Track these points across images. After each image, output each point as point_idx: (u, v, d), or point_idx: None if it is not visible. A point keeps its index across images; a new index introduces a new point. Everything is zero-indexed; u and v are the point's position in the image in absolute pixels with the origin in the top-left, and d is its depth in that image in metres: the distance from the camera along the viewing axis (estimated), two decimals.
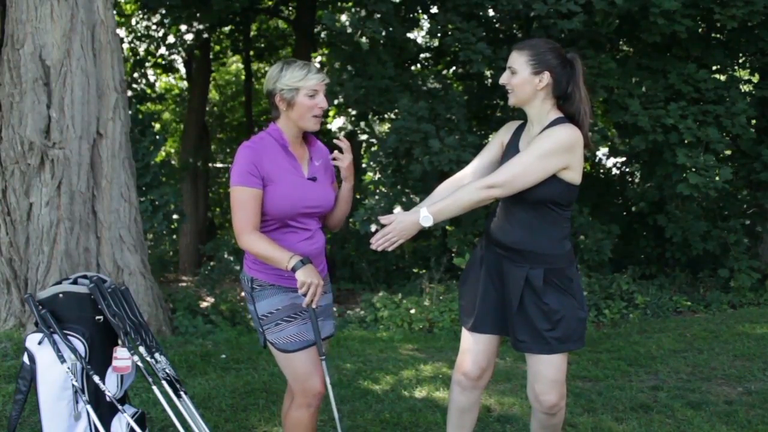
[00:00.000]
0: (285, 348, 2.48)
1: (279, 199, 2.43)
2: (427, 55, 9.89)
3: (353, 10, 9.69)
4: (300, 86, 2.43)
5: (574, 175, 2.45)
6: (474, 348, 2.64)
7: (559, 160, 2.39)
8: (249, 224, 2.41)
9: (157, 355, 2.73)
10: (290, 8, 13.11)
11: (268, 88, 2.48)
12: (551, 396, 2.52)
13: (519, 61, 2.46)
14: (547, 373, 2.51)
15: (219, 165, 17.07)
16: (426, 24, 9.88)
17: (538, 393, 2.54)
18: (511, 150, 2.58)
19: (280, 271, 2.43)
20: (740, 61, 8.64)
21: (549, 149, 2.38)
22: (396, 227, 2.38)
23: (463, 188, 2.43)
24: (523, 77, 2.45)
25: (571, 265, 2.53)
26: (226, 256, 9.62)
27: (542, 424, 2.66)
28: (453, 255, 7.52)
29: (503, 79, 2.52)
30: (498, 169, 2.44)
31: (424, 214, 2.36)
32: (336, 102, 8.30)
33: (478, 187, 2.39)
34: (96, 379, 2.58)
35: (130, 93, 10.18)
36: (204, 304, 6.82)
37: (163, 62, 13.25)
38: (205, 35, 12.03)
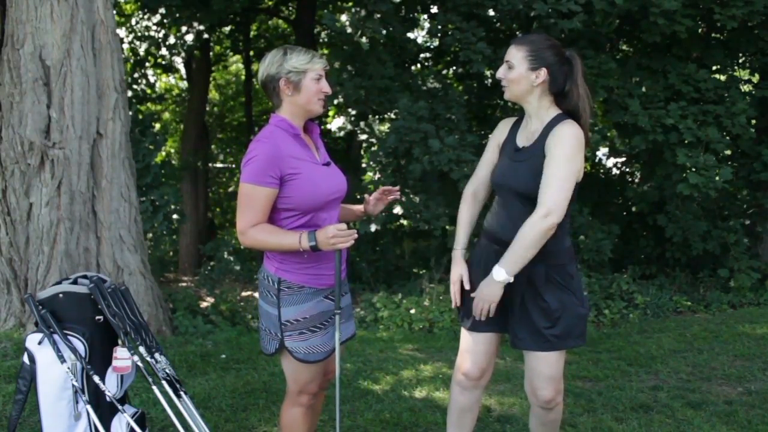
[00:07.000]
0: (305, 359, 2.44)
1: (309, 189, 2.34)
2: (427, 55, 9.87)
3: (353, 10, 9.69)
4: (307, 69, 2.37)
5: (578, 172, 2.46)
6: (474, 348, 2.65)
7: (580, 158, 2.41)
8: (254, 223, 2.33)
9: (157, 355, 2.73)
10: (290, 8, 13.11)
11: (270, 73, 2.38)
12: (548, 391, 2.55)
13: (517, 56, 2.46)
14: (543, 369, 2.53)
15: (219, 165, 17.06)
16: (426, 24, 9.87)
17: (535, 388, 2.57)
18: (508, 146, 2.58)
19: (313, 270, 2.40)
20: (740, 61, 8.64)
21: (571, 151, 2.37)
22: (484, 297, 2.43)
23: (522, 231, 2.36)
24: (519, 72, 2.46)
25: (571, 262, 2.54)
26: (226, 256, 9.61)
27: (540, 419, 2.68)
28: None
29: (500, 73, 2.52)
30: (540, 197, 2.36)
31: (503, 277, 2.38)
32: (336, 102, 8.29)
33: (536, 222, 2.34)
34: (96, 379, 2.58)
35: (130, 93, 10.18)
36: (204, 304, 6.81)
37: (163, 62, 13.23)
38: (205, 35, 12.01)
